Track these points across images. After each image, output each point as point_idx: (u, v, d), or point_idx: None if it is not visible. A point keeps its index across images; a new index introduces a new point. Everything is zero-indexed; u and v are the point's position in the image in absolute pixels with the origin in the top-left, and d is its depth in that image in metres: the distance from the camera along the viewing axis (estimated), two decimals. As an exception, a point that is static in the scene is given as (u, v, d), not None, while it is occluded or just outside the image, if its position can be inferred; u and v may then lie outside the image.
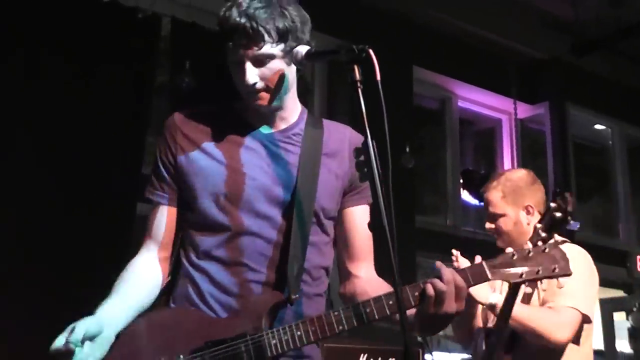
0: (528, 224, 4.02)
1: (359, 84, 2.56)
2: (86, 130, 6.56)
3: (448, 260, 8.91)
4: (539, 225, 3.48)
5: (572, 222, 3.56)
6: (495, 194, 4.11)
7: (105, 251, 6.16)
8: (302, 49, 2.79)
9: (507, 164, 10.07)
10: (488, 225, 4.15)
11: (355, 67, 2.58)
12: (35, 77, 6.47)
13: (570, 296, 3.70)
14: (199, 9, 7.50)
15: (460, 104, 9.83)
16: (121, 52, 6.90)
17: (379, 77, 2.54)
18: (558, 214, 3.46)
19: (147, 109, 7.14)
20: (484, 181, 9.16)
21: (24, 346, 5.30)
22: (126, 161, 6.85)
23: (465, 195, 9.61)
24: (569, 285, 3.47)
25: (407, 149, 7.97)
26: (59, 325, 2.56)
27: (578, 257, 3.78)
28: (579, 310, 3.73)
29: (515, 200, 4.05)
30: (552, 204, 3.46)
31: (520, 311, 3.67)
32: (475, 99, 9.95)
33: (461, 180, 9.60)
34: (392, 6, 8.31)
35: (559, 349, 3.77)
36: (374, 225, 2.52)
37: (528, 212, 4.05)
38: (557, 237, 3.68)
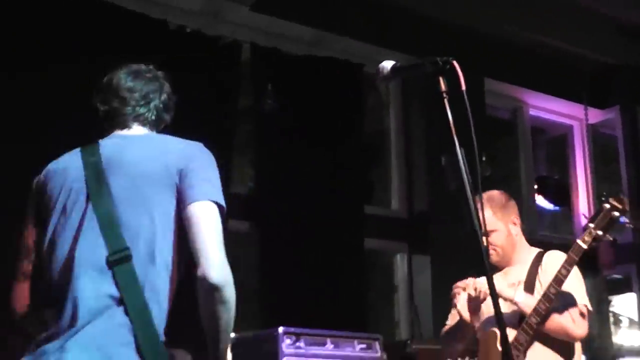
0: (516, 235, 4.42)
1: (444, 95, 2.73)
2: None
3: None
4: (591, 225, 4.00)
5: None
6: (486, 213, 4.28)
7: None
8: (388, 64, 2.93)
9: (579, 169, 10.08)
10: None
11: (440, 79, 2.74)
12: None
13: (582, 297, 4.16)
14: (276, 35, 7.76)
15: (532, 112, 9.86)
16: (205, 78, 7.18)
17: (464, 87, 2.70)
18: (616, 213, 3.85)
19: (231, 130, 7.36)
20: (559, 187, 9.36)
21: None
22: None
23: (541, 201, 9.69)
24: (574, 285, 4.18)
25: (484, 158, 8.05)
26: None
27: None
28: (587, 306, 4.16)
29: (504, 215, 4.39)
30: (606, 205, 3.83)
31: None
32: (546, 107, 9.97)
33: (536, 187, 9.68)
34: (463, 21, 8.46)
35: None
36: (466, 229, 2.70)
37: (514, 224, 4.42)
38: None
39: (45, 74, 6.17)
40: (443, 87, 2.73)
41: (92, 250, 2.69)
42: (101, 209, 2.75)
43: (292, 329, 4.99)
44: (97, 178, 2.81)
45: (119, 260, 2.68)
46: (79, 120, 6.31)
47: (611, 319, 10.12)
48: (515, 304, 4.09)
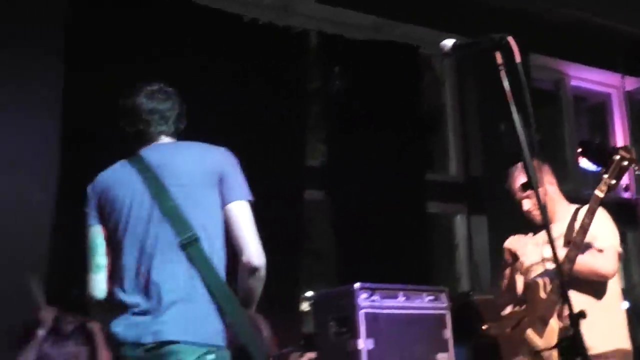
0: (554, 194, 4.48)
1: (501, 67, 2.80)
2: (254, 134, 7.00)
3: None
4: (605, 176, 4.10)
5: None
6: (523, 179, 4.36)
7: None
8: (449, 42, 3.02)
9: (618, 132, 10.07)
10: (526, 205, 4.43)
11: (497, 53, 2.82)
12: (217, 89, 6.84)
13: (606, 238, 4.17)
14: (340, 23, 7.87)
15: (573, 82, 9.84)
16: (277, 65, 7.33)
17: (519, 59, 2.78)
18: (625, 162, 4.02)
19: (303, 111, 7.50)
20: (600, 149, 9.12)
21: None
22: (291, 155, 7.30)
23: (584, 163, 9.63)
24: (598, 229, 4.14)
25: (534, 124, 8.06)
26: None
27: (603, 212, 4.25)
28: (613, 246, 4.18)
29: (540, 178, 4.27)
30: (617, 156, 3.85)
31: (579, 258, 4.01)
32: (586, 77, 9.95)
33: (579, 150, 9.63)
34: (508, 2, 8.48)
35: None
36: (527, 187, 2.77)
37: (551, 184, 4.50)
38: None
39: (131, 70, 6.28)
40: (500, 60, 2.78)
41: (165, 238, 3.04)
42: (165, 205, 3.08)
43: (367, 284, 5.01)
44: (155, 181, 3.13)
45: (190, 243, 3.03)
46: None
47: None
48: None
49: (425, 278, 7.39)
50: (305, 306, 6.75)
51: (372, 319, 4.92)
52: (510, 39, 2.79)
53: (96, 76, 6.34)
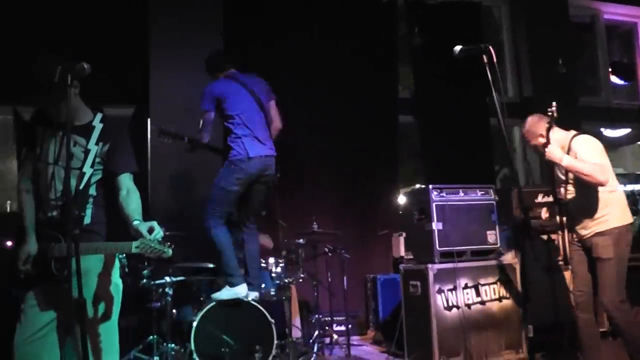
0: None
1: (487, 65, 3.17)
2: (362, 74, 7.35)
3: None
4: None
5: None
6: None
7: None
8: (457, 48, 3.29)
9: None
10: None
11: (484, 56, 3.07)
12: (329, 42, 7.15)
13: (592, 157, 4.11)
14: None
15: (606, 16, 9.60)
16: (376, 21, 7.57)
17: (495, 60, 2.98)
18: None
19: (394, 54, 7.71)
20: (628, 67, 8.89)
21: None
22: (385, 86, 7.53)
23: (614, 79, 9.54)
24: (588, 155, 4.10)
25: (560, 61, 8.06)
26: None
27: (590, 138, 4.21)
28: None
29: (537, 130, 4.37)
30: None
31: (582, 165, 4.07)
32: (617, 12, 9.66)
33: (610, 69, 9.51)
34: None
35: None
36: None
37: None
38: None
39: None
40: (486, 60, 3.11)
41: (261, 119, 4.94)
42: (258, 101, 4.90)
43: (437, 185, 5.08)
44: (250, 90, 4.91)
45: (268, 121, 5.09)
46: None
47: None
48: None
49: (491, 174, 7.56)
50: (400, 199, 7.01)
51: (441, 208, 5.03)
52: (490, 48, 3.13)
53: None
